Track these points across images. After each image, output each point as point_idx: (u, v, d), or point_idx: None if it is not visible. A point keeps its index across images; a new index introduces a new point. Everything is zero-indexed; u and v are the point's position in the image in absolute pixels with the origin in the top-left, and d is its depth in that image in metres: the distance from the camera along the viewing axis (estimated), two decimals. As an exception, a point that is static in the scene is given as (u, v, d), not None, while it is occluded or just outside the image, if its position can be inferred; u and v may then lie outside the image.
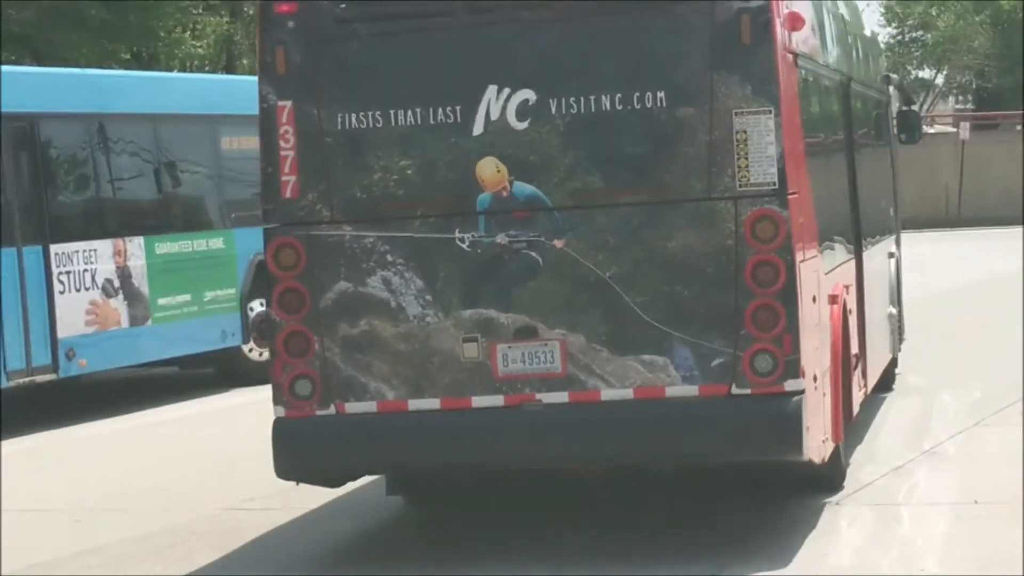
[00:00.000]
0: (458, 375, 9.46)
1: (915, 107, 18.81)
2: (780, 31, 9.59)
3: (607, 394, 9.34)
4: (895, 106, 16.80)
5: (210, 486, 12.84)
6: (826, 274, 10.65)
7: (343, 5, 9.68)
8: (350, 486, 10.88)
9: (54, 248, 16.95)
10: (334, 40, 9.61)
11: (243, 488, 12.32)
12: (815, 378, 9.72)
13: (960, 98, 75.52)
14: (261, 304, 19.50)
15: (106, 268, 17.47)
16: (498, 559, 9.81)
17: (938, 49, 65.32)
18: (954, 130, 56.89)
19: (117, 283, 17.61)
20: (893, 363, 15.59)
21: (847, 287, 11.96)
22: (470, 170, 9.44)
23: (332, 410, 9.47)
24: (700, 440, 9.42)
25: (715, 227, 9.27)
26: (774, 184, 9.27)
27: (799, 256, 9.43)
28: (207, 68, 28.14)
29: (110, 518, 11.59)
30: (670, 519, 10.69)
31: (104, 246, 17.51)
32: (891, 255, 16.01)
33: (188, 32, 27.47)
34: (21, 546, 11.02)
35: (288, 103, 9.55)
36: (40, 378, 16.81)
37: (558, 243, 9.47)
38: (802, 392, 9.28)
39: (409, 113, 9.53)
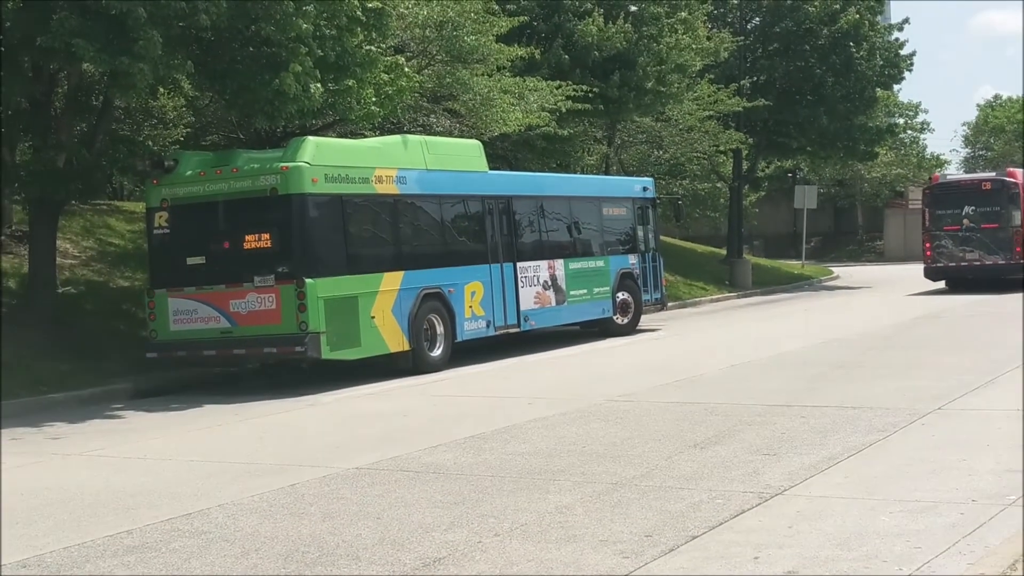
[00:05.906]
0: None
1: None
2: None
3: None
4: None
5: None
6: None
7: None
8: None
9: (519, 264, 26.55)
10: None
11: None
12: None
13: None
14: (622, 294, 29.88)
15: (544, 275, 27.31)
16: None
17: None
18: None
19: (549, 283, 27.64)
20: None
21: None
22: None
23: None
24: None
25: None
26: None
27: None
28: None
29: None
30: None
31: (541, 265, 27.38)
32: None
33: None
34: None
35: None
36: (512, 331, 26.15)
37: None
38: None
39: None
